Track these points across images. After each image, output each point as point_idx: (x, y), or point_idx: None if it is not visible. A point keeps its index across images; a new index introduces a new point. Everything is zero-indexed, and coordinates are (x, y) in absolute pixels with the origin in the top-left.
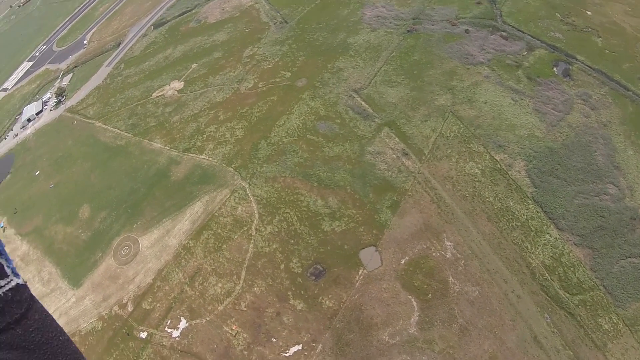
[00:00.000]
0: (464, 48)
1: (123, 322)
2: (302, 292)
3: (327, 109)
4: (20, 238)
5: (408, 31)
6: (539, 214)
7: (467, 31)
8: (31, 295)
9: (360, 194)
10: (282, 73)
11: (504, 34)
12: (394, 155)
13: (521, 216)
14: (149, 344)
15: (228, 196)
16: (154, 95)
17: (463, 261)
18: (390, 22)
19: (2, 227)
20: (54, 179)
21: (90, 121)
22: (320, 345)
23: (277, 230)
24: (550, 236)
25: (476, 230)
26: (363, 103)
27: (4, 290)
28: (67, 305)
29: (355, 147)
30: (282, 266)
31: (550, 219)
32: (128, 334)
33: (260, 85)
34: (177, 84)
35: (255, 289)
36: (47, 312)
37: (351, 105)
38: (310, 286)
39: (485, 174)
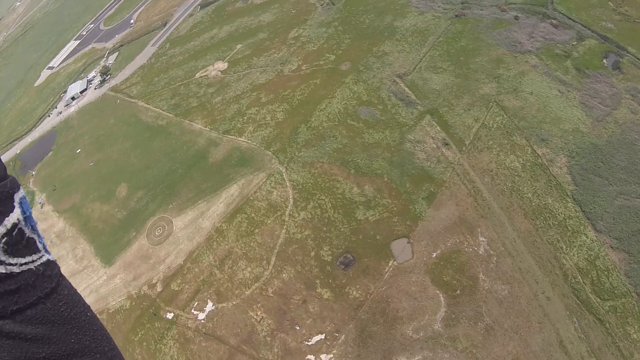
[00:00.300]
0: (512, 35)
1: (151, 302)
2: (330, 280)
3: (370, 94)
4: (57, 215)
5: (456, 16)
6: (577, 214)
7: (516, 18)
8: (60, 272)
9: (397, 183)
10: (326, 56)
11: (554, 21)
12: (434, 145)
13: (559, 215)
14: (174, 325)
15: (264, 180)
16: (197, 75)
17: (495, 258)
18: (439, 6)
19: (40, 203)
20: (94, 157)
21: (133, 100)
22: (344, 335)
23: (310, 216)
24: (586, 237)
25: (512, 227)
26: (406, 89)
27: (36, 265)
28: (98, 283)
29: (395, 135)
30: (313, 253)
31: (588, 219)
32: (155, 314)
33: (303, 68)
34: (221, 65)
35: (283, 275)
36: (75, 289)
37: (394, 91)
38: (339, 275)
39: (525, 169)
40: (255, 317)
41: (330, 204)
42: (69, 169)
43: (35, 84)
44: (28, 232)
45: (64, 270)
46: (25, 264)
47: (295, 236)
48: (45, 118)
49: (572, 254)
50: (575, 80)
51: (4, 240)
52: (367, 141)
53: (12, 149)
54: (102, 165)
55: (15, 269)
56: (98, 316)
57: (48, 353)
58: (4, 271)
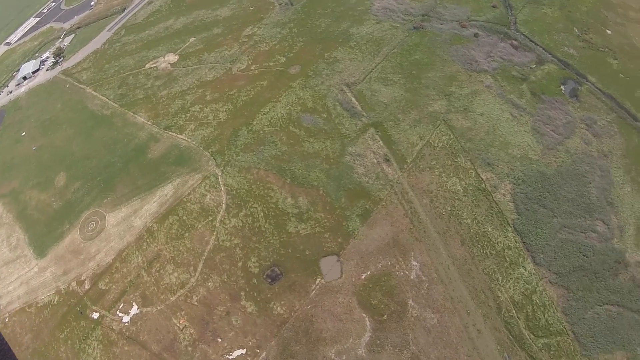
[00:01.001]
0: (469, 52)
1: (78, 300)
2: (255, 294)
3: (315, 101)
4: None
5: (414, 28)
6: (517, 244)
7: (476, 35)
8: None
9: (332, 197)
10: (277, 57)
11: (514, 42)
12: (375, 160)
13: (498, 244)
14: (99, 325)
15: (200, 182)
16: (147, 66)
17: (427, 284)
18: (398, 16)
19: None
20: (37, 142)
21: (82, 86)
22: (265, 352)
23: (241, 224)
24: (525, 270)
25: (447, 252)
26: (353, 99)
27: None
28: (29, 275)
29: (336, 146)
30: (240, 264)
31: (528, 251)
32: (81, 312)
33: (252, 68)
34: (172, 57)
35: (209, 283)
36: None
37: (340, 100)
38: (265, 289)
39: (467, 193)
40: (178, 324)
41: (262, 213)
42: (12, 152)
43: None
44: None
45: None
46: None
47: (225, 244)
48: None
49: (508, 286)
50: (529, 105)
51: None
52: (306, 150)
53: None
54: (44, 151)
55: None
56: (28, 309)
57: None
58: None
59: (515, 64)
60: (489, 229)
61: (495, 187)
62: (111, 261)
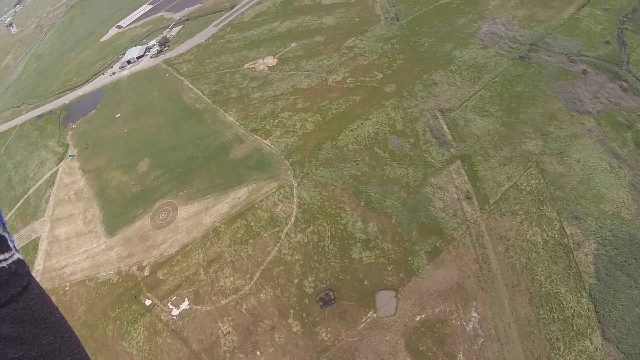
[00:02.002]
0: (574, 90)
1: (135, 284)
2: (304, 314)
3: (405, 124)
4: (81, 173)
5: (520, 57)
6: (589, 313)
7: (584, 72)
8: (29, 271)
9: (403, 228)
10: (374, 73)
11: (624, 84)
12: (456, 196)
13: (568, 309)
14: (149, 312)
15: (274, 190)
16: (245, 66)
17: (482, 340)
18: (505, 43)
19: (71, 157)
20: (129, 125)
21: (180, 77)
22: None
23: (306, 241)
24: (591, 344)
25: (511, 309)
26: (445, 127)
27: (8, 263)
28: (96, 251)
29: (418, 174)
30: (296, 281)
31: (599, 322)
32: (135, 297)
33: (348, 81)
34: (271, 60)
35: (261, 294)
36: (43, 290)
37: (432, 126)
38: (314, 311)
39: (547, 247)
40: (222, 329)
41: (329, 233)
42: (105, 131)
43: (101, 39)
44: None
45: (71, 230)
46: None
47: (285, 257)
48: (99, 75)
49: (569, 358)
50: (630, 157)
51: None
52: (387, 174)
53: (62, 98)
54: (134, 135)
55: None
56: (88, 283)
57: (21, 354)
58: None
59: (622, 109)
60: (562, 291)
61: (578, 245)
62: (174, 253)
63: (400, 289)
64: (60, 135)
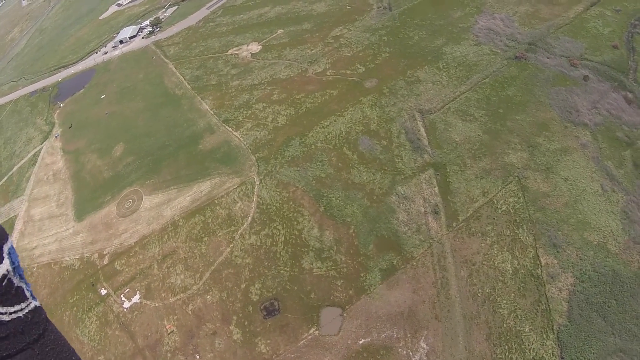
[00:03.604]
0: (572, 98)
1: (94, 272)
2: (246, 322)
3: (380, 124)
4: (62, 154)
5: (516, 57)
6: (553, 359)
7: (585, 78)
8: (46, 317)
9: (361, 240)
10: (357, 66)
11: (629, 95)
12: (422, 209)
13: (530, 351)
14: (103, 302)
15: (236, 187)
16: (229, 51)
17: None
18: (501, 40)
19: (56, 137)
20: (112, 108)
21: (166, 61)
22: None
23: (259, 244)
24: None
25: (465, 344)
26: (422, 129)
27: (25, 312)
28: (64, 234)
29: (385, 181)
30: (243, 286)
31: None
32: (93, 285)
33: (328, 73)
34: (255, 47)
35: (208, 296)
36: (60, 333)
37: (408, 128)
38: (257, 320)
39: (516, 276)
40: (167, 327)
41: (283, 238)
42: (89, 112)
43: (101, 17)
44: (16, 281)
45: (45, 212)
46: (14, 312)
47: (236, 260)
48: (93, 53)
49: None
50: (626, 179)
51: None
52: (352, 178)
53: (56, 75)
54: (114, 118)
55: (5, 318)
56: (53, 266)
57: None
58: None
59: (623, 123)
60: (526, 329)
61: (552, 278)
62: (133, 244)
63: (347, 307)
64: (48, 114)
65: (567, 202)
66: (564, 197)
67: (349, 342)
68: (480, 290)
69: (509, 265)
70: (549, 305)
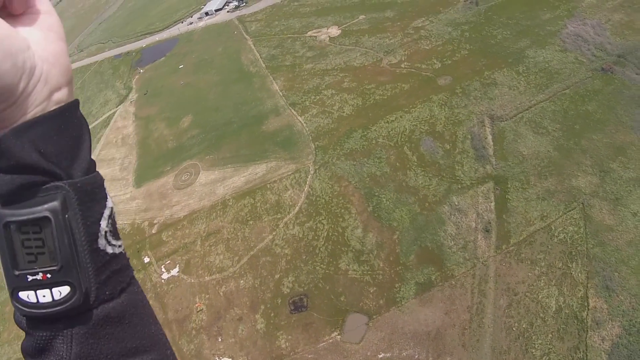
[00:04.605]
0: None
1: (142, 239)
2: (272, 314)
3: (447, 126)
4: (133, 119)
5: (602, 69)
6: None
7: None
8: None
9: (403, 247)
10: (433, 61)
11: None
12: (474, 224)
13: None
14: (144, 270)
15: (290, 174)
16: (309, 33)
17: None
18: (589, 49)
19: (131, 101)
20: (187, 78)
21: (246, 37)
22: None
23: (301, 236)
24: None
25: None
26: (489, 137)
27: (123, 248)
28: (122, 198)
29: (440, 189)
30: (277, 276)
31: None
32: (138, 251)
33: (403, 66)
34: (335, 31)
35: (241, 281)
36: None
37: (475, 133)
38: (283, 314)
39: (558, 315)
40: (197, 305)
41: (326, 233)
42: (165, 80)
43: None
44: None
45: (108, 174)
46: (120, 246)
47: (276, 249)
48: (179, 23)
49: None
50: None
51: (110, 222)
52: (407, 181)
53: (141, 41)
54: (188, 89)
55: (117, 250)
56: None
57: (137, 344)
58: (112, 251)
59: None
60: None
61: (597, 324)
62: (182, 217)
63: (374, 316)
64: (128, 78)
65: (632, 240)
66: (629, 234)
67: (368, 354)
68: (516, 324)
69: (554, 302)
70: (587, 354)
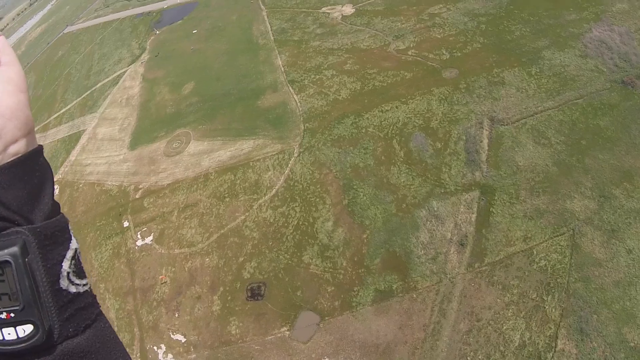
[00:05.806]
0: None
1: (125, 202)
2: (229, 297)
3: (442, 123)
4: (140, 80)
5: (623, 82)
6: None
7: None
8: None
9: (370, 249)
10: (441, 51)
11: None
12: (449, 235)
13: None
14: (121, 234)
15: (275, 154)
16: (323, 9)
17: None
18: (612, 58)
19: (142, 62)
20: (198, 44)
21: (262, 7)
22: (194, 356)
23: (271, 221)
24: None
25: None
26: (485, 141)
27: (89, 285)
28: (115, 160)
29: (422, 190)
30: (241, 259)
31: None
32: (120, 215)
33: (410, 53)
34: (349, 9)
35: (207, 259)
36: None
37: (470, 135)
38: (239, 299)
39: (519, 352)
40: (162, 277)
41: (296, 222)
42: (177, 44)
43: None
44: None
45: (108, 133)
46: (85, 284)
47: (245, 231)
48: None
49: None
50: None
51: (73, 262)
52: (389, 177)
53: (164, 1)
54: (197, 55)
55: (81, 289)
56: (95, 187)
57: None
58: (75, 290)
59: None
60: None
61: None
62: (165, 185)
63: (327, 318)
64: (144, 39)
65: (620, 281)
66: (618, 273)
67: (313, 356)
68: (472, 353)
69: (518, 336)
70: None
